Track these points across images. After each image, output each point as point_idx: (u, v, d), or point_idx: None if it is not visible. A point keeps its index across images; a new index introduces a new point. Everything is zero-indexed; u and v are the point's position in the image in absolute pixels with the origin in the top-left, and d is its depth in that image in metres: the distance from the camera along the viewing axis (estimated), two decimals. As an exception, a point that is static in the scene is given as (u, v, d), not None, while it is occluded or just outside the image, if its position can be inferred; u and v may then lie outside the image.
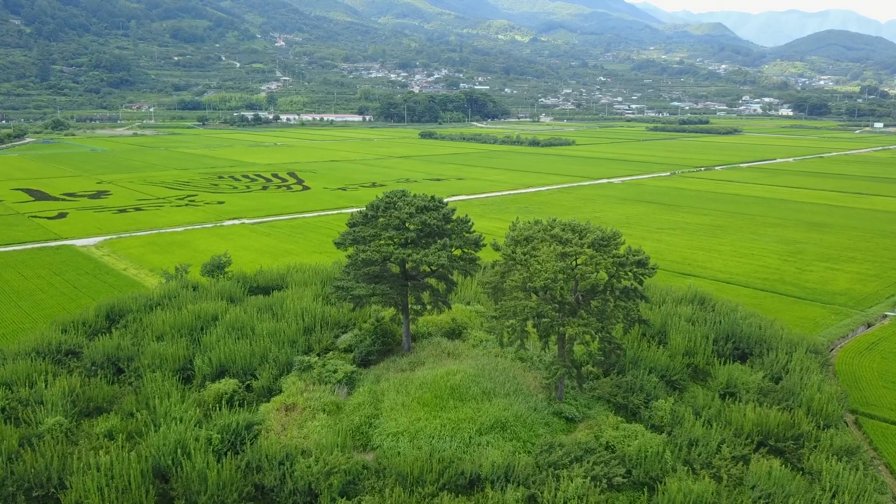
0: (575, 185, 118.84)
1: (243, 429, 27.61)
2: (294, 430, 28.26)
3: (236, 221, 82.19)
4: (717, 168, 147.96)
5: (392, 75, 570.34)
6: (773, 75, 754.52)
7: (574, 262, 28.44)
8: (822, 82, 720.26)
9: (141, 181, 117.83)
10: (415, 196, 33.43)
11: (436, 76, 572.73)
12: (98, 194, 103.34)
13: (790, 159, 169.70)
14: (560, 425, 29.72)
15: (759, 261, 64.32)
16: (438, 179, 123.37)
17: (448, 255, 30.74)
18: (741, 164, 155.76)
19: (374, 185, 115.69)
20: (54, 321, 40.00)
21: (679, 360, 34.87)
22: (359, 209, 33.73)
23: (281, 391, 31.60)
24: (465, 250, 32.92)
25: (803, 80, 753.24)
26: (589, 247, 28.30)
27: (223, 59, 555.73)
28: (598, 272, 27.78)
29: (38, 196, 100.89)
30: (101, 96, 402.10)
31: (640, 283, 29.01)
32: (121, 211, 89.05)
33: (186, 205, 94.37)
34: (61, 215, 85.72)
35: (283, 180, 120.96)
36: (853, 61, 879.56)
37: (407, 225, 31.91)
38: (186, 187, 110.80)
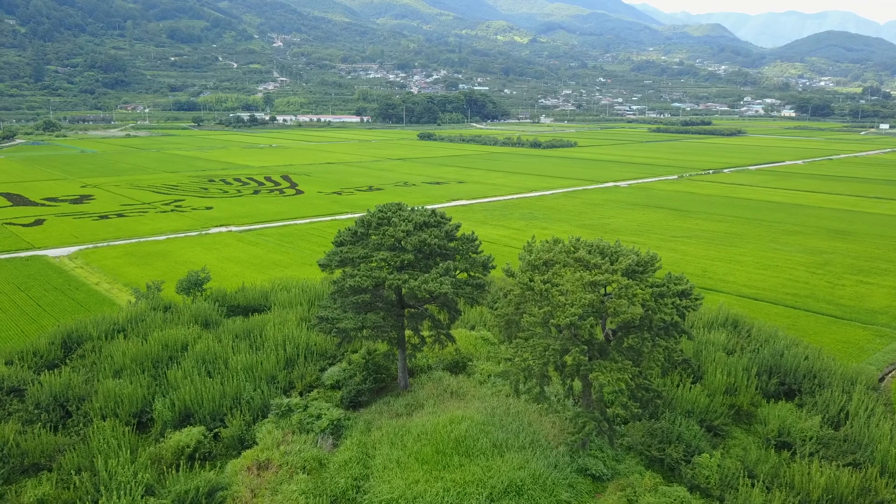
0: (580, 188, 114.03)
1: (204, 497, 22.72)
2: (266, 497, 23.35)
3: (223, 229, 77.24)
4: (725, 171, 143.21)
5: (390, 76, 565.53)
6: (774, 76, 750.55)
7: (603, 291, 23.60)
8: (822, 83, 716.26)
9: (127, 185, 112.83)
10: (412, 210, 28.59)
11: (434, 77, 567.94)
12: (81, 199, 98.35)
13: (799, 161, 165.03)
14: (586, 486, 24.85)
15: (785, 273, 59.51)
16: (438, 183, 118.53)
17: (452, 282, 25.88)
18: (750, 167, 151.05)
19: (370, 189, 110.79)
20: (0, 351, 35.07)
21: (719, 400, 30.02)
22: (348, 227, 28.81)
23: (255, 442, 26.70)
24: (472, 273, 28.05)
25: (804, 81, 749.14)
26: (623, 274, 23.44)
27: (220, 59, 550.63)
28: (633, 306, 22.89)
29: (17, 201, 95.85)
30: (96, 97, 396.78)
31: (683, 316, 24.17)
32: (102, 217, 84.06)
33: (172, 210, 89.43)
34: (38, 222, 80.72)
35: (276, 184, 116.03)
36: (853, 62, 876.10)
37: (403, 244, 27.04)
38: (174, 191, 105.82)
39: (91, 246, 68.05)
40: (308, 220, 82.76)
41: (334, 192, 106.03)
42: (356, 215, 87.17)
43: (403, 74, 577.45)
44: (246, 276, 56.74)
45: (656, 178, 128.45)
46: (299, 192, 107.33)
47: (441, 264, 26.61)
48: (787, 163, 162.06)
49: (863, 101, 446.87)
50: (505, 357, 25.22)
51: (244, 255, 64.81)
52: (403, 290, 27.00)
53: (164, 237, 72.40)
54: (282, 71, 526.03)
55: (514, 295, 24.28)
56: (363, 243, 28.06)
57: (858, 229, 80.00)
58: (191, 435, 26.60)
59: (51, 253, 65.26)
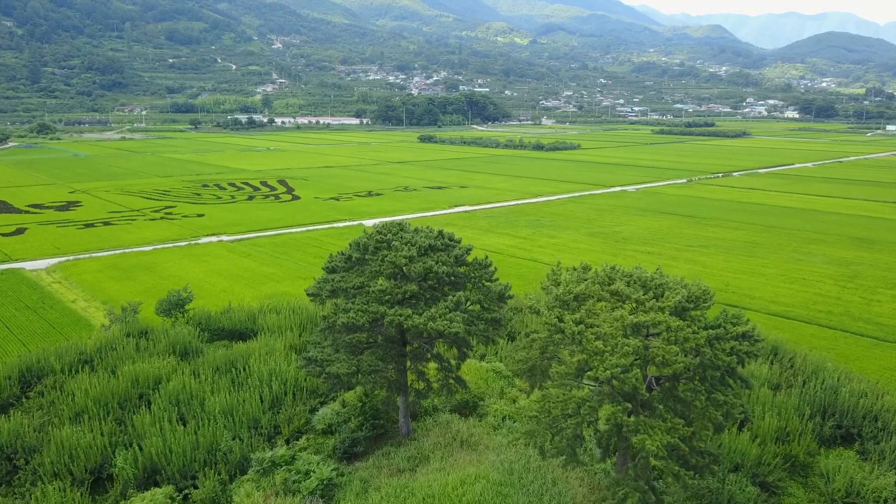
0: (586, 193, 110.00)
1: (164, 587, 18.68)
2: (240, 585, 19.28)
3: (214, 238, 73.18)
4: (734, 174, 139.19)
5: (390, 77, 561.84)
6: (775, 77, 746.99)
7: (647, 332, 19.56)
8: (824, 84, 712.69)
9: (117, 190, 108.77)
10: (416, 231, 24.53)
11: (434, 78, 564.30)
12: (67, 206, 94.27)
13: (809, 164, 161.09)
14: (624, 563, 20.76)
15: (814, 287, 55.45)
16: (439, 187, 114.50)
17: (464, 318, 21.82)
18: (759, 170, 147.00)
19: (370, 194, 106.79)
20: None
21: (771, 450, 25.93)
22: (340, 251, 24.72)
23: (230, 506, 22.64)
24: (486, 305, 24.00)
25: (805, 82, 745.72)
26: (671, 313, 19.39)
27: (219, 61, 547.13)
28: (686, 353, 18.84)
29: (1, 208, 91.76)
30: (93, 99, 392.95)
31: (742, 362, 20.12)
32: (87, 226, 79.99)
33: (162, 218, 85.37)
34: (19, 231, 76.67)
35: (272, 189, 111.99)
36: (854, 63, 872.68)
37: (406, 272, 22.99)
38: (165, 197, 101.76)
39: (72, 258, 63.96)
40: (304, 229, 78.69)
41: (332, 198, 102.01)
42: (354, 223, 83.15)
43: (403, 76, 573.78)
44: (235, 291, 52.75)
45: (665, 182, 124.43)
46: (296, 197, 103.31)
47: (450, 296, 22.55)
48: (797, 165, 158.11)
49: (866, 102, 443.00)
50: (529, 414, 21.16)
51: (234, 267, 60.73)
52: (406, 325, 22.93)
53: (151, 248, 68.33)
54: (281, 73, 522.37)
55: (539, 337, 20.22)
56: (358, 270, 24.01)
57: (883, 237, 75.95)
58: (155, 498, 22.51)
59: (28, 266, 61.18)
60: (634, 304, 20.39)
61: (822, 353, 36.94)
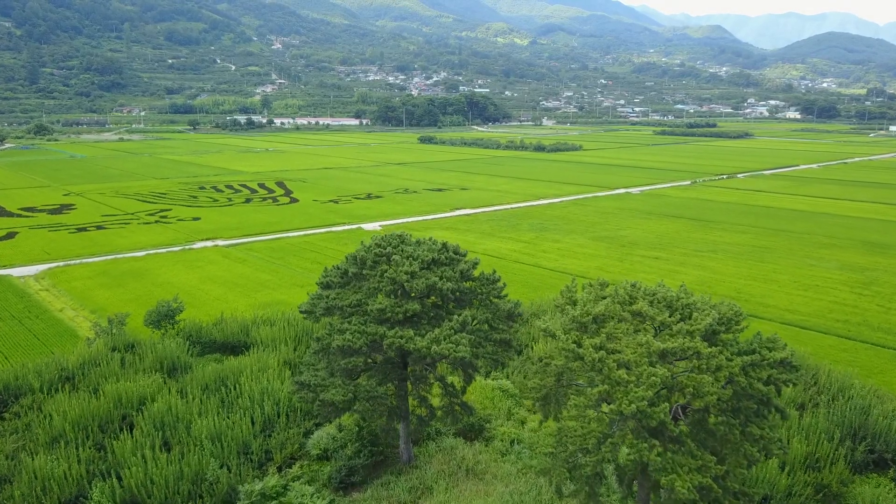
0: (590, 195, 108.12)
1: None
2: None
3: (209, 243, 71.28)
4: (739, 176, 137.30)
5: (390, 78, 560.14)
6: (776, 78, 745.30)
7: (673, 359, 17.67)
8: (825, 85, 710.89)
9: (112, 193, 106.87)
10: (418, 243, 22.64)
11: (434, 79, 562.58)
12: (61, 209, 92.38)
13: (814, 165, 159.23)
14: None
15: (829, 295, 53.55)
16: (440, 189, 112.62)
17: (471, 340, 19.93)
18: (764, 172, 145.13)
19: (369, 196, 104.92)
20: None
21: (801, 479, 24.04)
22: (336, 266, 22.81)
23: (216, 545, 20.76)
24: (495, 324, 22.10)
25: (806, 82, 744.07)
26: (702, 337, 17.50)
27: (218, 61, 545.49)
28: (717, 381, 16.94)
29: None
30: (92, 100, 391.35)
31: (779, 391, 18.23)
32: (80, 230, 78.09)
33: (157, 221, 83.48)
34: (9, 235, 74.77)
35: (270, 191, 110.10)
36: (855, 63, 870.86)
37: (407, 288, 21.10)
38: (161, 200, 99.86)
39: (62, 264, 62.07)
40: (301, 233, 76.78)
41: (331, 201, 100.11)
42: (353, 226, 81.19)
43: (403, 76, 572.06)
44: (229, 299, 50.88)
45: (669, 184, 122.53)
46: (294, 200, 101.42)
47: (456, 315, 20.65)
48: (802, 167, 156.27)
49: (868, 103, 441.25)
50: (543, 451, 19.29)
51: (229, 274, 58.82)
52: (407, 348, 21.02)
53: (144, 253, 66.41)
54: (280, 73, 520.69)
55: (555, 364, 18.32)
56: (355, 286, 22.10)
57: (895, 241, 74.13)
58: (134, 537, 20.62)
59: (17, 272, 59.30)
60: (659, 326, 18.51)
61: (846, 368, 35.07)
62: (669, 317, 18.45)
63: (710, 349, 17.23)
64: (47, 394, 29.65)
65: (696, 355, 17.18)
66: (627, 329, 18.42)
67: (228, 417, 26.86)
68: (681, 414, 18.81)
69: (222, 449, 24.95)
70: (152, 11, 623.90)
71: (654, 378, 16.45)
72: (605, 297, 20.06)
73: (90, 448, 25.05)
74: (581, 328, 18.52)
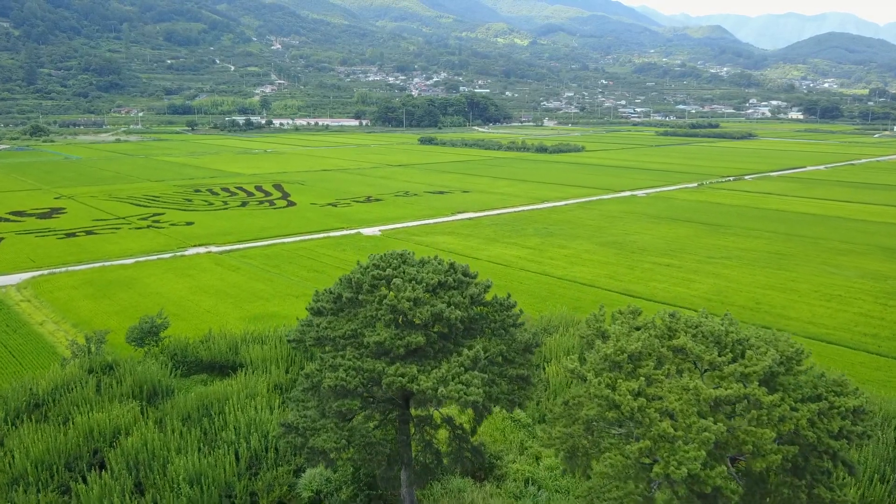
0: (595, 198, 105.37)
1: None
2: None
3: (202, 249, 68.53)
4: (746, 178, 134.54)
5: (390, 78, 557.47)
6: (777, 78, 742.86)
7: (728, 409, 14.90)
8: (826, 85, 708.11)
9: (105, 196, 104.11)
10: (422, 264, 19.88)
11: (435, 79, 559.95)
12: (50, 213, 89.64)
13: (821, 167, 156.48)
14: None
15: (853, 306, 50.78)
16: (441, 192, 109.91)
17: (484, 379, 17.17)
18: (771, 173, 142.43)
19: (368, 199, 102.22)
20: None
21: (855, 528, 21.28)
22: (328, 289, 20.05)
23: None
24: (510, 357, 19.34)
25: (807, 82, 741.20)
26: (760, 382, 14.75)
27: (217, 62, 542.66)
28: (787, 440, 14.20)
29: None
30: (90, 100, 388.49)
31: (850, 442, 15.47)
32: (68, 235, 75.34)
33: (149, 226, 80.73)
34: (-5, 241, 72.05)
35: (267, 194, 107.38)
36: (856, 64, 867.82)
37: (410, 317, 18.34)
38: (154, 203, 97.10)
39: (47, 272, 59.30)
40: (298, 238, 74.00)
41: (329, 204, 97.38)
42: (352, 231, 78.39)
43: (403, 77, 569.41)
44: (220, 311, 48.16)
45: (675, 187, 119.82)
46: (291, 203, 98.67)
47: (466, 349, 17.88)
48: (809, 168, 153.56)
49: (871, 103, 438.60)
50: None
51: (221, 283, 56.05)
52: (410, 388, 18.26)
53: (133, 260, 63.64)
54: (280, 74, 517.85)
55: (587, 415, 15.57)
56: (350, 313, 19.34)
57: (916, 248, 71.37)
58: None
59: (-2, 281, 56.59)
60: (706, 367, 15.74)
61: (884, 391, 32.32)
62: (719, 355, 15.68)
63: (770, 397, 14.47)
64: (11, 425, 26.90)
65: (756, 404, 14.42)
66: (669, 370, 15.67)
67: (211, 454, 24.09)
68: (730, 467, 16.02)
69: (202, 493, 22.19)
70: (151, 12, 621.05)
71: (706, 434, 13.68)
72: (638, 328, 17.31)
73: (53, 492, 22.30)
74: (615, 368, 15.74)
